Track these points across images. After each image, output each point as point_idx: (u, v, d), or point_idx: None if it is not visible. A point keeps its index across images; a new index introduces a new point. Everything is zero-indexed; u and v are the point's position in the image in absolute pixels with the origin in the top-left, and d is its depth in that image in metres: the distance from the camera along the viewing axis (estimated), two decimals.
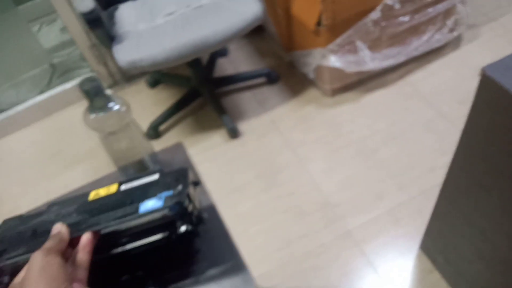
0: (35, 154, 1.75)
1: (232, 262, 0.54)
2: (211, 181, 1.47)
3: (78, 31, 1.73)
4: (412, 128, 1.48)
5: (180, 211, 0.49)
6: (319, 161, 1.46)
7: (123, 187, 0.54)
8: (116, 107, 0.58)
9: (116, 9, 1.51)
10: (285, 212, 1.35)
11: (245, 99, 1.72)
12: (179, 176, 0.54)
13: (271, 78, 1.74)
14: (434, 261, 1.14)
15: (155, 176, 0.54)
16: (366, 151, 1.45)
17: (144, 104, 1.80)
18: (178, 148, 0.69)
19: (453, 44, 1.71)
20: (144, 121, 1.68)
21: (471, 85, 1.63)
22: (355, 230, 1.26)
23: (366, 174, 1.39)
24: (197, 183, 0.57)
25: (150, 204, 0.49)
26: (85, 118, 0.58)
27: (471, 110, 0.72)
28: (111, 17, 1.49)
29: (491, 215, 0.79)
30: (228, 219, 1.38)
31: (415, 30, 1.53)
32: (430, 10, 1.50)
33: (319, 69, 1.56)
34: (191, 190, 0.52)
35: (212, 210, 0.59)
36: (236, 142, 1.58)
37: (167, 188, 0.51)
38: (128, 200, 0.51)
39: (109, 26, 1.43)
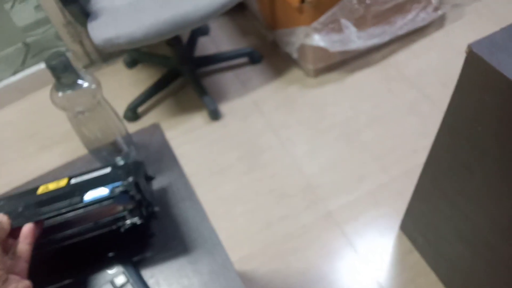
0: (10, 136, 1.68)
1: (210, 246, 0.51)
2: (192, 164, 1.45)
3: (53, 8, 1.65)
4: (396, 110, 1.47)
5: (126, 200, 0.47)
6: (301, 143, 1.44)
7: (73, 180, 0.53)
8: (86, 84, 0.54)
9: None
10: (267, 194, 1.33)
11: (227, 79, 1.68)
12: (131, 169, 0.52)
13: (254, 58, 1.70)
14: (414, 241, 1.15)
15: (107, 170, 0.53)
16: (349, 133, 1.44)
17: (122, 85, 1.74)
18: (155, 129, 0.66)
19: (437, 23, 1.69)
20: (122, 102, 1.62)
21: (455, 66, 1.62)
22: (336, 211, 1.26)
23: (348, 156, 1.38)
24: (151, 177, 0.56)
25: (96, 193, 0.48)
26: (52, 96, 0.54)
27: (456, 88, 0.70)
28: None
29: (473, 195, 0.79)
30: (210, 201, 1.37)
31: (400, 9, 1.51)
32: None
33: (302, 48, 1.53)
34: (142, 183, 0.51)
35: (190, 192, 0.57)
36: (217, 124, 1.54)
37: (117, 179, 0.50)
38: (76, 192, 0.50)
39: (84, 1, 1.37)
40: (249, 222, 1.28)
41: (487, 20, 1.67)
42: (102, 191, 0.48)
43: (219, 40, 1.83)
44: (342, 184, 1.32)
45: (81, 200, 0.48)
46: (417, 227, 1.09)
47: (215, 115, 1.54)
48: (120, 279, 0.49)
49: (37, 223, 0.47)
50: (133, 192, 0.48)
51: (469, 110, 0.70)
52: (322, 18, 1.39)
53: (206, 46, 1.82)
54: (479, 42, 0.63)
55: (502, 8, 1.70)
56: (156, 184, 0.58)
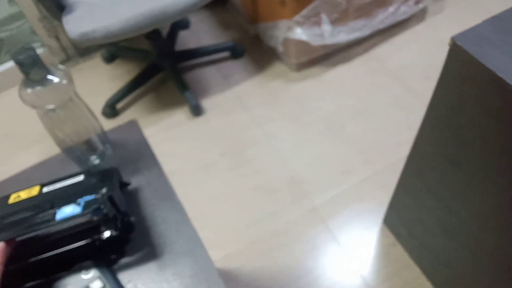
0: None
1: (191, 248, 0.49)
2: (175, 161, 1.42)
3: (27, 2, 1.59)
4: (379, 103, 1.47)
5: (99, 216, 0.46)
6: (286, 138, 1.42)
7: (45, 189, 0.51)
8: (56, 79, 0.51)
9: None
10: (252, 190, 1.32)
11: (208, 74, 1.65)
12: (106, 177, 0.51)
13: (236, 52, 1.68)
14: (397, 234, 1.15)
15: (80, 177, 0.51)
16: (333, 127, 1.43)
17: (100, 80, 1.70)
18: (132, 126, 0.63)
19: (419, 16, 1.70)
20: (100, 98, 1.58)
21: (437, 59, 1.64)
22: (321, 206, 1.25)
23: (333, 150, 1.37)
24: (126, 184, 0.55)
25: (68, 211, 0.47)
26: (20, 93, 0.51)
27: (439, 81, 0.70)
28: None
29: (457, 188, 0.79)
30: (194, 199, 1.34)
31: (381, 2, 1.50)
32: None
33: (285, 42, 1.51)
34: (116, 194, 0.50)
35: (170, 192, 0.55)
36: (200, 120, 1.52)
37: (90, 191, 0.49)
38: (48, 204, 0.48)
39: None
40: (235, 219, 1.26)
41: (469, 12, 1.69)
42: (74, 209, 0.47)
43: (200, 34, 1.80)
44: (326, 178, 1.31)
45: (53, 218, 0.46)
46: (401, 220, 1.09)
47: (197, 111, 1.51)
48: (96, 285, 0.47)
49: (9, 241, 0.45)
50: (106, 208, 0.46)
51: (452, 102, 0.69)
52: (304, 12, 1.37)
53: (187, 40, 1.79)
54: (462, 35, 0.62)
55: (483, 1, 1.71)
56: (134, 183, 0.56)
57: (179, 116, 1.54)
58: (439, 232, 0.92)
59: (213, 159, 1.41)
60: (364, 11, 1.49)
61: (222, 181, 1.35)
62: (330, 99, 1.50)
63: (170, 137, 1.48)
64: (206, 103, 1.56)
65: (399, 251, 1.14)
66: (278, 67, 1.63)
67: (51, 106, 0.52)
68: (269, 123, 1.47)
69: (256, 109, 1.51)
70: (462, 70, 0.63)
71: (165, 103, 1.59)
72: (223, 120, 1.50)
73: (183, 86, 1.53)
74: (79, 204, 0.47)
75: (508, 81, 0.55)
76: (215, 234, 1.24)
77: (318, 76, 1.58)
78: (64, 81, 0.52)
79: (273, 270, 1.16)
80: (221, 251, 1.20)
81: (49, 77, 0.51)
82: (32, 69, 0.50)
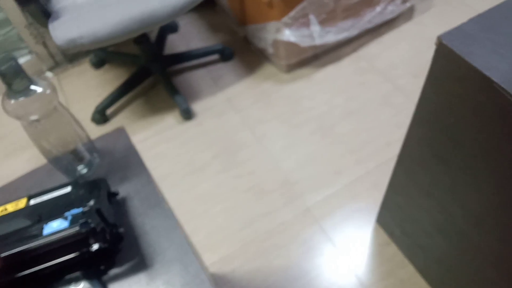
0: None
1: (181, 256, 0.49)
2: (167, 164, 1.41)
3: (14, 9, 1.57)
4: (369, 102, 1.48)
5: (87, 231, 0.45)
6: (278, 138, 1.42)
7: (32, 201, 0.51)
8: (40, 89, 0.51)
9: None
10: (245, 192, 1.31)
11: (198, 77, 1.65)
12: (93, 188, 0.50)
13: (226, 55, 1.67)
14: (391, 234, 1.15)
15: (67, 189, 0.51)
16: (325, 127, 1.43)
17: (89, 86, 1.68)
18: (120, 133, 0.63)
19: (406, 15, 1.70)
20: (90, 104, 1.57)
21: (425, 57, 1.64)
22: (314, 207, 1.25)
23: (324, 150, 1.37)
24: (115, 194, 0.54)
25: (55, 225, 0.46)
26: (3, 105, 0.50)
27: (426, 80, 0.70)
28: None
29: (448, 186, 0.79)
30: (187, 202, 1.34)
31: (368, 2, 1.51)
32: None
33: (274, 44, 1.51)
34: (104, 205, 0.49)
35: (159, 199, 0.54)
36: (191, 123, 1.51)
37: (78, 203, 0.48)
38: (35, 218, 0.48)
39: (45, 1, 1.31)
40: (228, 221, 1.26)
41: (456, 10, 1.70)
42: (61, 223, 0.46)
43: (190, 37, 1.79)
44: (319, 178, 1.31)
45: (41, 233, 0.46)
46: (394, 219, 1.10)
47: (187, 114, 1.51)
48: None
49: None
50: (94, 222, 0.46)
51: (440, 101, 0.69)
52: (292, 13, 1.37)
53: (176, 43, 1.78)
54: (449, 34, 0.62)
55: (469, 0, 1.72)
56: (123, 192, 0.55)
57: (170, 120, 1.53)
58: (432, 230, 0.93)
59: (205, 161, 1.40)
60: (351, 11, 1.49)
61: (214, 183, 1.35)
62: (321, 99, 1.51)
63: (161, 141, 1.47)
64: (196, 106, 1.55)
65: (393, 250, 1.15)
66: (268, 69, 1.63)
67: (35, 117, 0.52)
68: (260, 124, 1.47)
69: (247, 110, 1.51)
70: (449, 69, 0.64)
71: (155, 107, 1.58)
72: (215, 122, 1.50)
73: (173, 90, 1.52)
74: (66, 218, 0.47)
75: (494, 79, 0.56)
76: (209, 237, 1.23)
77: (308, 77, 1.58)
78: (48, 91, 0.51)
79: (268, 272, 1.16)
80: (215, 254, 1.20)
81: (32, 87, 0.50)
82: (14, 80, 0.49)
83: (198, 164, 1.40)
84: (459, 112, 0.66)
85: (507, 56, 0.58)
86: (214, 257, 1.19)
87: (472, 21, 0.64)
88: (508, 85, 0.55)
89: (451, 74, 0.64)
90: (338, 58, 1.62)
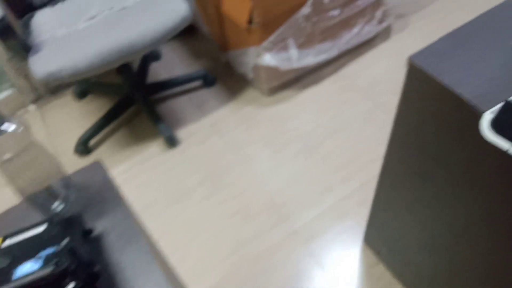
0: None
1: None
2: (151, 194, 1.40)
3: None
4: (352, 120, 1.49)
5: (60, 271, 0.45)
6: (263, 161, 1.42)
7: (7, 242, 0.50)
8: (11, 128, 0.50)
9: (32, 16, 1.39)
10: (231, 217, 1.30)
11: (182, 104, 1.65)
12: (68, 226, 0.50)
13: (208, 81, 1.68)
14: (378, 253, 1.15)
15: (42, 228, 0.50)
16: (309, 147, 1.44)
17: (72, 117, 1.68)
18: (97, 167, 0.62)
19: (384, 35, 1.75)
20: (73, 136, 1.56)
21: (402, 75, 1.66)
22: (301, 228, 1.25)
23: (310, 170, 1.38)
24: (90, 231, 0.54)
25: (27, 267, 0.46)
26: None
27: (400, 99, 0.71)
28: (27, 25, 1.36)
29: (429, 202, 0.79)
30: (173, 231, 1.32)
31: (345, 24, 1.54)
32: (359, 2, 1.52)
33: (255, 68, 1.53)
34: (78, 243, 0.49)
35: (135, 234, 0.53)
36: (175, 150, 1.51)
37: (52, 243, 0.48)
38: (8, 259, 0.47)
39: (25, 35, 1.31)
40: (215, 248, 1.24)
41: (432, 26, 1.74)
42: (34, 264, 0.46)
43: (172, 64, 1.81)
44: (306, 199, 1.31)
45: (11, 277, 0.45)
46: (380, 237, 1.09)
47: (171, 142, 1.50)
48: None
49: None
50: (67, 261, 0.45)
51: (415, 120, 0.70)
52: (272, 38, 1.40)
53: (159, 71, 1.79)
54: (419, 54, 0.64)
55: (445, 16, 1.78)
56: (99, 228, 0.55)
57: (154, 149, 1.52)
58: (418, 247, 0.92)
59: (190, 188, 1.39)
60: (329, 33, 1.53)
61: (200, 210, 1.33)
62: (304, 119, 1.52)
63: (145, 170, 1.46)
64: (181, 133, 1.55)
65: (381, 269, 1.14)
66: (250, 93, 1.64)
67: (8, 156, 0.51)
68: (245, 148, 1.47)
69: (232, 134, 1.52)
70: (421, 88, 0.65)
71: (139, 136, 1.57)
72: (199, 148, 1.50)
73: (157, 118, 1.52)
74: (39, 258, 0.46)
75: (465, 95, 0.57)
76: (197, 266, 1.21)
77: (290, 99, 1.59)
78: (20, 129, 0.51)
79: None
80: (204, 283, 1.18)
81: (4, 126, 0.50)
82: None
83: (183, 191, 1.39)
84: (433, 129, 0.67)
85: (477, 72, 0.60)
86: (203, 286, 1.17)
87: (442, 39, 0.66)
88: (479, 100, 0.56)
89: (423, 93, 0.65)
90: (320, 79, 1.64)
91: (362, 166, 1.36)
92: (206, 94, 1.66)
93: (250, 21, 1.35)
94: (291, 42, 1.44)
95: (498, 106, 0.54)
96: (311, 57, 1.53)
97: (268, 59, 1.44)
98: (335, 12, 1.47)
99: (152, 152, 1.51)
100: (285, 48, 1.45)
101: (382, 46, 1.72)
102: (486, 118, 0.54)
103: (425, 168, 0.75)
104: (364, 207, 1.26)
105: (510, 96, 0.55)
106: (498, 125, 0.53)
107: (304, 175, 1.37)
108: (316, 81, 1.63)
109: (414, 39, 1.71)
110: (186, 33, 1.87)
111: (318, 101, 1.57)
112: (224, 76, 1.72)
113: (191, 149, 1.50)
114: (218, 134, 1.53)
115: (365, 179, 1.33)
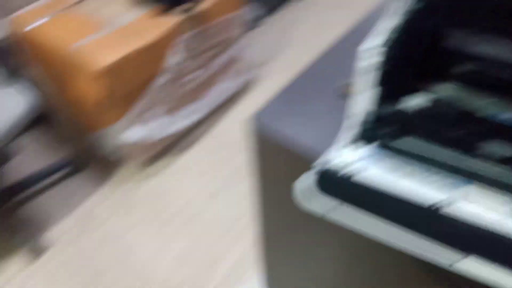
0: None
1: None
2: None
3: None
4: (229, 178, 1.47)
5: None
6: (148, 243, 1.31)
7: None
8: None
9: None
10: None
11: (48, 200, 1.47)
12: None
13: (76, 167, 1.54)
14: None
15: None
16: (193, 216, 1.37)
17: None
18: None
19: (247, 87, 1.80)
20: None
21: None
22: None
23: (198, 241, 1.30)
24: None
25: None
26: None
27: (250, 158, 0.70)
28: None
29: (305, 252, 0.78)
30: None
31: (206, 85, 1.56)
32: (216, 61, 1.55)
33: (122, 146, 1.44)
34: None
35: None
36: (42, 260, 1.29)
37: None
38: None
39: None
40: None
41: (289, 74, 1.85)
42: None
43: (34, 157, 1.61)
44: (198, 274, 1.22)
45: None
46: None
47: (36, 252, 1.30)
48: None
49: None
50: None
51: (268, 177, 0.69)
52: (134, 111, 1.34)
53: (20, 168, 1.57)
54: (256, 115, 0.63)
55: (300, 59, 1.90)
56: None
57: (15, 266, 1.28)
58: None
59: None
60: (191, 98, 1.52)
61: None
62: (185, 187, 1.46)
63: None
64: (50, 234, 1.36)
65: None
66: (123, 171, 1.54)
67: None
68: (125, 236, 1.34)
69: (109, 222, 1.38)
70: (263, 148, 0.64)
71: None
72: (73, 249, 1.32)
73: (14, 229, 1.31)
74: None
75: (300, 151, 0.56)
76: None
77: (167, 168, 1.53)
78: None
79: None
80: None
81: None
82: None
83: None
84: (284, 185, 0.66)
85: (311, 125, 0.59)
86: None
87: (275, 99, 0.67)
88: (315, 154, 0.54)
89: (265, 152, 0.65)
90: (194, 141, 1.61)
91: (247, 224, 1.32)
92: (75, 183, 1.51)
93: (106, 100, 1.29)
94: (152, 113, 1.40)
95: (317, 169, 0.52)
96: (179, 123, 1.50)
97: (134, 133, 1.37)
98: (196, 74, 1.48)
99: (13, 270, 1.27)
100: (147, 120, 1.40)
101: (246, 99, 1.76)
102: (298, 185, 0.53)
103: (290, 222, 0.73)
104: (257, 267, 1.22)
105: (332, 145, 0.54)
106: (321, 184, 0.51)
107: (194, 248, 1.29)
108: (191, 144, 1.60)
109: (276, 87, 1.79)
110: (42, 123, 1.71)
111: (196, 164, 1.53)
112: (92, 160, 1.59)
113: (63, 253, 1.31)
114: (93, 225, 1.38)
115: (253, 238, 1.28)
